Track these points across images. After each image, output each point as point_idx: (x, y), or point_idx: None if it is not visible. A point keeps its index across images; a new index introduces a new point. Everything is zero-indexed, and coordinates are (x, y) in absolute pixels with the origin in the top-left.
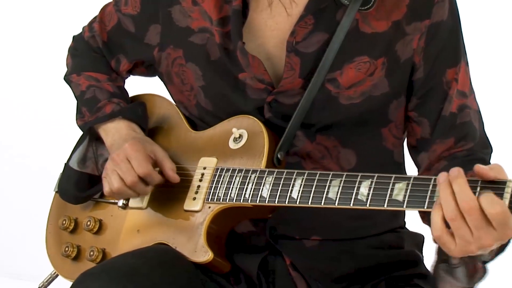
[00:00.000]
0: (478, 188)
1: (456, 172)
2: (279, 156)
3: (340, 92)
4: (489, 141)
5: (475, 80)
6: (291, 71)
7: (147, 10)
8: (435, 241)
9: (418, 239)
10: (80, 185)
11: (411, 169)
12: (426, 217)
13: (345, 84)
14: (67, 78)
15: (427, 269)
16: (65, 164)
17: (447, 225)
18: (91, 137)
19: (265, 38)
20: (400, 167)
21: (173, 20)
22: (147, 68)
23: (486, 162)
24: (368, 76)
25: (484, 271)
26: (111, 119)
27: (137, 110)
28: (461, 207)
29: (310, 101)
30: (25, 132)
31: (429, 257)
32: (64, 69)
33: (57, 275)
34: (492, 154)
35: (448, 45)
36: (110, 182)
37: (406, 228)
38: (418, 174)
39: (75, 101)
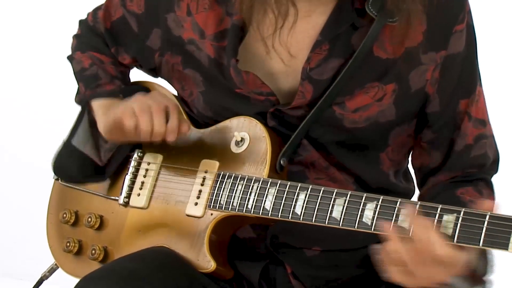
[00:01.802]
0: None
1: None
2: (282, 162)
3: (345, 114)
4: (497, 163)
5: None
6: (302, 100)
7: (151, 12)
8: None
9: None
10: (83, 169)
11: None
12: None
13: (351, 107)
14: (70, 56)
15: None
16: (65, 141)
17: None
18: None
19: (269, 54)
20: (395, 186)
21: (169, 27)
22: (149, 70)
23: (485, 180)
24: (375, 101)
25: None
26: (110, 97)
27: (139, 91)
28: (418, 246)
29: (315, 118)
30: (23, 132)
31: None
32: (58, 65)
33: (58, 266)
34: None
35: (463, 77)
36: (143, 121)
37: None
38: (419, 195)
39: (71, 96)
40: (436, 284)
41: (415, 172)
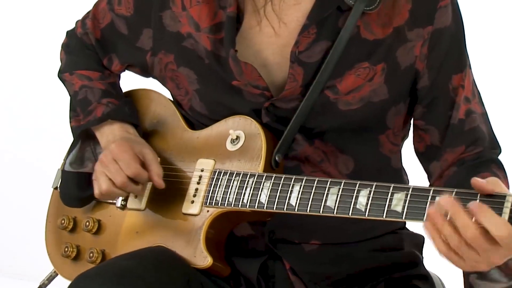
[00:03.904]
0: (478, 201)
1: (450, 203)
2: (277, 158)
3: (339, 98)
4: (497, 142)
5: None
6: (293, 83)
7: (140, 13)
8: None
9: (418, 240)
10: (81, 184)
11: (411, 174)
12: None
13: (344, 90)
14: (60, 76)
15: (426, 270)
16: (62, 171)
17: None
18: (86, 138)
19: (262, 45)
20: (398, 173)
21: (164, 25)
22: (141, 70)
23: (495, 161)
24: (367, 81)
25: None
26: (102, 123)
27: (124, 109)
28: (465, 237)
29: (309, 106)
30: (24, 132)
31: (429, 258)
32: (58, 67)
33: (57, 274)
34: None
35: (452, 51)
36: (99, 184)
37: (407, 229)
38: (430, 183)
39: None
40: (493, 265)
41: (421, 160)
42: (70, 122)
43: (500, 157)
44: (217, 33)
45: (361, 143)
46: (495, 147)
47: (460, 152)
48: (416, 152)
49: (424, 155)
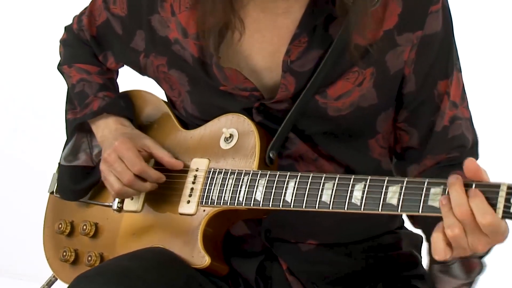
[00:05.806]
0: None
1: (455, 179)
2: (271, 155)
3: (328, 103)
4: (477, 150)
5: (472, 83)
6: (285, 92)
7: (133, 14)
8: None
9: (416, 240)
10: (74, 178)
11: None
12: (417, 222)
13: (333, 94)
14: (60, 68)
15: (425, 270)
16: (59, 163)
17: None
18: (82, 130)
19: (252, 51)
20: (389, 174)
21: (153, 29)
22: (137, 68)
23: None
24: (356, 86)
25: (481, 266)
26: (97, 116)
27: (119, 102)
28: (455, 212)
29: (300, 110)
30: (24, 133)
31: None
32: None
33: (57, 278)
34: (491, 155)
35: (440, 57)
36: (110, 184)
37: (405, 228)
38: None
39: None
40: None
41: (397, 160)
42: (66, 114)
43: (497, 159)
44: (204, 39)
45: (351, 148)
46: (473, 153)
47: (440, 159)
48: (394, 153)
49: (403, 157)
